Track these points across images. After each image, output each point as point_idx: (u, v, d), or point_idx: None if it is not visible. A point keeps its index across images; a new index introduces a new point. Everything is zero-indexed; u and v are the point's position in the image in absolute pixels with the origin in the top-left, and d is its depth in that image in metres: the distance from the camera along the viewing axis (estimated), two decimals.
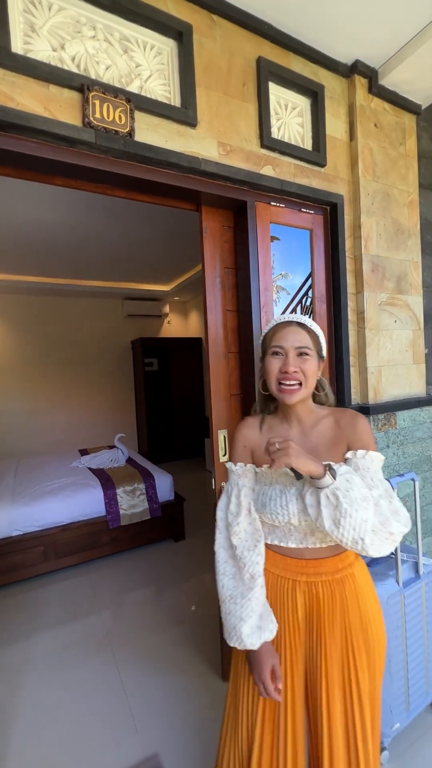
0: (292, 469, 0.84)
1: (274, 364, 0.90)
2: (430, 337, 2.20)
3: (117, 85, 1.27)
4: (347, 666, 0.88)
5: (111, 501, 2.94)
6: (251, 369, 1.61)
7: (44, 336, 5.08)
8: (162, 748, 1.43)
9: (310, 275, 1.84)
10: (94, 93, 1.19)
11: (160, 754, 1.41)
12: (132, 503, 3.01)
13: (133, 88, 1.30)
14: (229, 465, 1.00)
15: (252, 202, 1.59)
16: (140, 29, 1.32)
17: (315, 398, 0.98)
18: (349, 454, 0.87)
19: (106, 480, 3.17)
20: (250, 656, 0.89)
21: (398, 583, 1.38)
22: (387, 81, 1.84)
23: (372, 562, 1.49)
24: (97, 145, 1.22)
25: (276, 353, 0.90)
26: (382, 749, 1.34)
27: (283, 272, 2.42)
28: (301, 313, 3.79)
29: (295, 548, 0.91)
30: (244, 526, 0.93)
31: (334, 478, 0.77)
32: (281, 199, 1.68)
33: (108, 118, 1.22)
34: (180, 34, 1.36)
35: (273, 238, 1.73)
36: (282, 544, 0.92)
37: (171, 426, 5.65)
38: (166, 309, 5.88)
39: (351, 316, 1.85)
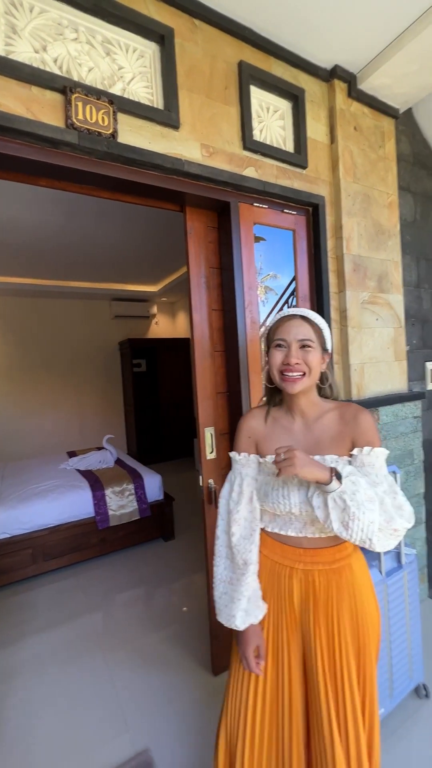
0: None
1: (277, 357, 0.92)
2: (411, 334, 2.26)
3: (100, 87, 1.29)
4: (337, 652, 0.90)
5: (100, 502, 2.93)
6: (237, 367, 1.64)
7: (31, 338, 5.03)
8: (153, 743, 1.44)
9: (294, 275, 1.87)
10: (76, 95, 1.20)
11: (150, 749, 1.42)
12: (121, 503, 3.00)
13: (116, 90, 1.32)
14: (233, 454, 1.02)
15: (235, 203, 1.61)
16: (122, 32, 1.34)
17: (320, 392, 1.00)
18: (355, 451, 0.89)
19: (95, 481, 3.16)
20: (237, 635, 0.95)
21: (381, 573, 1.42)
22: (366, 86, 1.89)
23: None
24: (80, 147, 1.23)
25: (279, 346, 0.92)
26: None
27: (272, 273, 2.45)
28: None
29: (294, 536, 0.93)
30: (244, 514, 0.96)
31: (341, 482, 0.80)
32: (264, 200, 1.71)
33: (91, 119, 1.23)
34: (162, 37, 1.38)
35: (259, 239, 1.76)
36: (282, 532, 0.95)
37: (160, 426, 5.65)
38: (154, 310, 5.88)
39: (334, 314, 1.90)
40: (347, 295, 1.88)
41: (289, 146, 1.77)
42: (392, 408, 2.02)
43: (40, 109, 1.18)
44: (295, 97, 1.74)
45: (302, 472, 0.78)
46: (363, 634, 0.91)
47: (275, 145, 1.71)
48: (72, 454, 4.24)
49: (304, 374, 0.90)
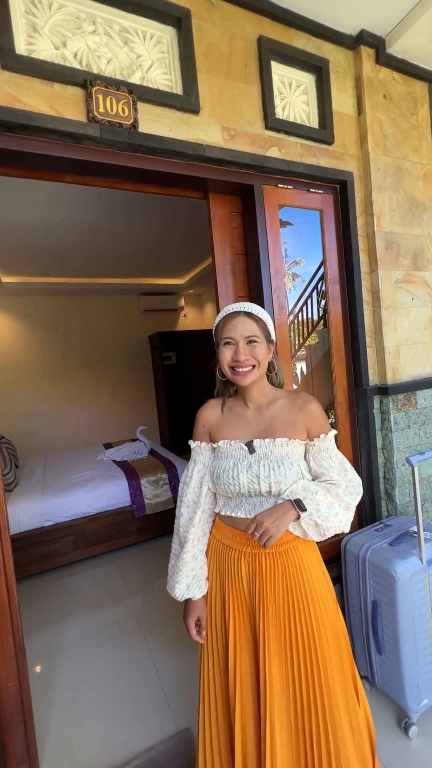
0: (247, 444, 0.97)
1: (226, 354, 0.97)
2: None
3: (119, 77, 1.29)
4: (284, 633, 0.93)
5: (136, 491, 3.02)
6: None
7: (64, 335, 5.21)
8: (193, 723, 1.49)
9: (322, 257, 1.81)
10: (96, 87, 1.21)
11: (191, 728, 1.46)
12: (156, 493, 3.08)
13: (135, 79, 1.32)
14: (190, 442, 1.10)
15: (259, 186, 1.58)
16: (139, 19, 1.33)
17: (269, 379, 1.07)
18: (315, 441, 0.98)
19: (130, 471, 3.25)
20: (184, 604, 1.06)
21: (422, 561, 1.37)
22: (395, 49, 1.77)
23: (395, 541, 1.48)
24: (102, 139, 1.24)
25: (228, 343, 0.97)
26: (410, 725, 1.35)
27: (298, 259, 2.39)
28: (317, 298, 3.72)
29: (244, 518, 0.98)
30: (192, 497, 1.04)
31: (305, 509, 0.89)
32: (289, 180, 1.66)
33: (111, 111, 1.24)
34: (179, 20, 1.36)
35: (286, 224, 1.71)
36: (233, 515, 0.99)
37: (191, 418, 5.70)
38: (182, 302, 5.90)
39: (366, 295, 1.82)
40: (380, 275, 1.80)
41: (314, 122, 1.70)
42: (431, 391, 1.92)
43: (63, 105, 1.20)
44: (318, 69, 1.66)
45: (280, 533, 0.86)
46: (314, 613, 0.93)
47: (299, 122, 1.65)
48: (108, 446, 4.38)
49: (254, 367, 0.96)
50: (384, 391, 1.78)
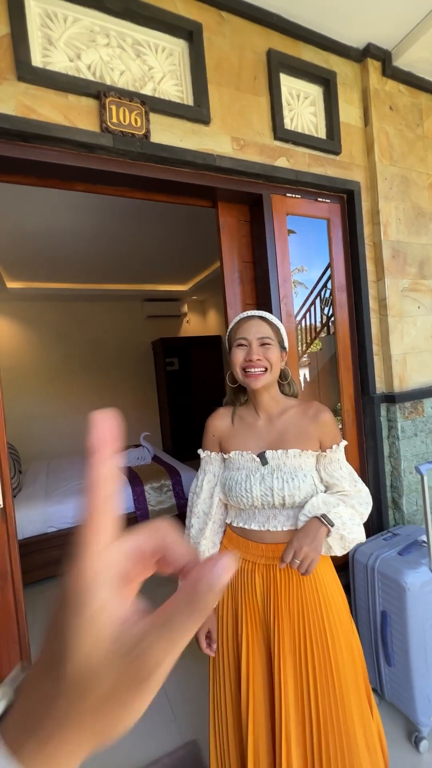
0: (259, 455, 0.96)
1: (239, 355, 0.95)
2: None
3: (131, 89, 1.31)
4: (300, 645, 0.91)
5: (139, 497, 3.01)
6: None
7: (67, 341, 5.23)
8: (199, 735, 1.46)
9: (329, 265, 1.83)
10: (110, 99, 1.23)
11: (198, 740, 1.44)
12: (159, 499, 3.06)
13: (147, 90, 1.34)
14: (200, 452, 1.08)
15: (267, 195, 1.59)
16: (151, 32, 1.35)
17: (281, 389, 1.05)
18: (327, 452, 0.98)
19: (134, 477, 3.24)
20: None
21: (431, 571, 1.36)
22: (401, 62, 1.80)
23: (404, 551, 1.47)
24: (114, 149, 1.26)
25: (240, 345, 0.96)
26: (421, 739, 1.32)
27: (300, 266, 2.40)
28: (321, 306, 3.73)
29: (257, 530, 0.97)
30: (202, 507, 1.02)
31: (332, 523, 0.89)
32: (297, 189, 1.67)
33: (124, 122, 1.25)
34: (190, 33, 1.39)
35: (290, 232, 1.73)
36: (246, 527, 0.98)
37: (194, 423, 5.70)
38: (185, 308, 5.92)
39: (372, 303, 1.83)
40: (386, 283, 1.81)
41: (321, 133, 1.72)
42: None
43: (77, 115, 1.22)
44: (326, 81, 1.69)
45: (318, 554, 0.86)
46: (329, 626, 0.92)
47: (307, 132, 1.67)
48: None
49: (266, 370, 0.94)
50: (391, 399, 1.78)
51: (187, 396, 5.69)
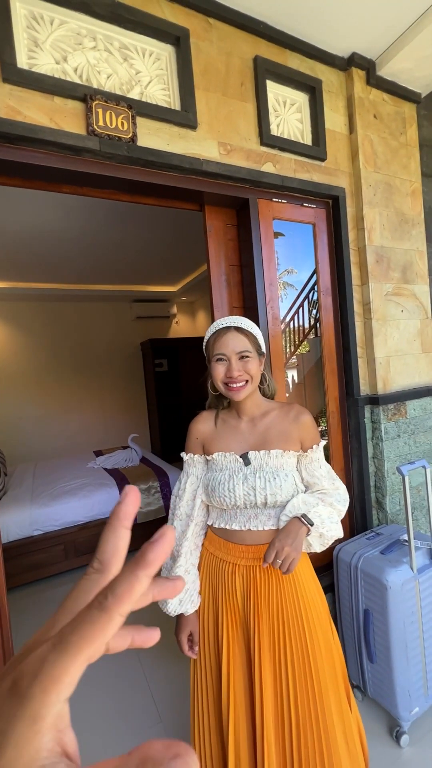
0: (242, 456, 0.98)
1: (219, 370, 0.95)
2: None
3: (118, 92, 1.31)
4: (279, 645, 0.93)
5: None
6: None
7: (55, 341, 5.18)
8: (185, 737, 1.47)
9: (315, 269, 1.85)
10: (96, 102, 1.23)
11: (185, 741, 1.45)
12: (147, 501, 3.06)
13: (134, 94, 1.34)
14: (183, 455, 1.08)
15: (254, 200, 1.61)
16: (139, 37, 1.36)
17: (260, 390, 1.07)
18: (308, 452, 1.01)
19: (122, 479, 3.23)
20: (176, 620, 1.04)
21: (413, 569, 1.39)
22: (385, 71, 1.84)
23: (386, 550, 1.50)
24: (101, 152, 1.26)
25: (220, 359, 0.96)
26: (402, 733, 1.35)
27: (289, 268, 2.43)
28: (309, 308, 3.77)
29: (238, 530, 0.99)
30: (185, 510, 1.04)
31: (312, 522, 0.92)
32: (283, 195, 1.70)
33: (111, 125, 1.26)
34: (177, 39, 1.40)
35: (277, 234, 1.75)
36: (227, 527, 1.00)
37: (183, 425, 5.70)
38: (174, 309, 5.92)
39: (357, 307, 1.87)
40: (370, 287, 1.84)
41: (307, 139, 1.75)
42: (420, 402, 1.97)
43: (63, 118, 1.22)
44: (312, 88, 1.72)
45: (299, 553, 0.89)
46: (307, 625, 0.94)
47: (293, 138, 1.70)
48: (98, 453, 4.34)
49: (247, 382, 0.95)
50: (375, 401, 1.82)
51: (176, 397, 5.69)
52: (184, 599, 1.01)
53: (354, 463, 1.89)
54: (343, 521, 1.06)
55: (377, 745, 1.37)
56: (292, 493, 0.95)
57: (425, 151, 2.12)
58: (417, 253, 2.02)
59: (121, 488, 3.05)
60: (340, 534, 0.99)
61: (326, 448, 1.87)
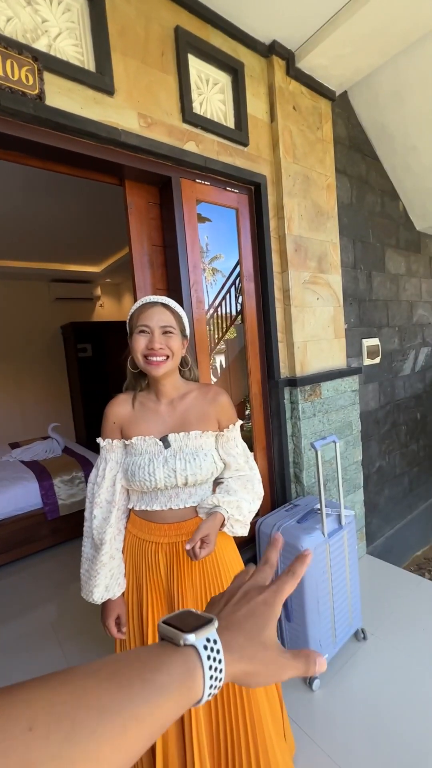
0: (162, 439, 0.98)
1: (141, 342, 0.95)
2: (349, 313, 2.39)
3: (21, 40, 1.17)
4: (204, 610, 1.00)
5: (48, 492, 2.83)
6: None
7: None
8: None
9: (239, 254, 1.89)
10: None
11: None
12: (71, 492, 2.92)
13: (41, 45, 1.21)
14: (99, 440, 1.05)
15: (177, 179, 1.57)
16: None
17: (182, 374, 1.07)
18: (224, 431, 1.05)
19: (41, 471, 3.03)
20: (102, 606, 1.04)
21: (324, 534, 1.54)
22: (303, 65, 1.90)
23: (302, 519, 1.64)
24: (2, 107, 1.12)
25: (142, 331, 0.95)
26: (314, 679, 1.52)
27: (218, 254, 2.44)
28: (235, 294, 3.86)
29: (159, 511, 1.00)
30: (105, 497, 1.02)
31: (225, 511, 0.98)
32: (206, 176, 1.69)
33: (13, 76, 1.12)
34: None
35: (204, 219, 1.74)
36: (148, 508, 1.01)
37: None
38: (98, 291, 5.61)
39: (277, 294, 1.95)
40: (290, 275, 1.94)
41: (230, 122, 1.74)
42: (333, 383, 2.14)
43: None
44: (234, 70, 1.71)
45: (214, 544, 0.92)
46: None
47: (216, 119, 1.68)
48: (15, 445, 4.01)
49: (168, 357, 0.95)
50: (293, 383, 1.94)
51: (101, 384, 5.45)
52: (111, 584, 1.00)
53: (275, 441, 2.01)
54: (264, 496, 1.12)
55: (293, 692, 1.51)
56: (211, 471, 0.98)
57: (339, 149, 2.26)
58: (331, 245, 2.17)
59: (40, 481, 2.86)
60: (256, 509, 1.05)
61: (249, 429, 1.96)
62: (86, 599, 1.01)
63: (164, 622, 0.33)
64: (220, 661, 0.31)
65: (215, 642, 0.32)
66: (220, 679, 0.31)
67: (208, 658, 0.30)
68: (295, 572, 0.40)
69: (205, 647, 0.31)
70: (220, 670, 0.31)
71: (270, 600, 0.38)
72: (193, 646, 0.31)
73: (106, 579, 1.00)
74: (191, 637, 0.31)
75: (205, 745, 0.92)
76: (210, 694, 0.30)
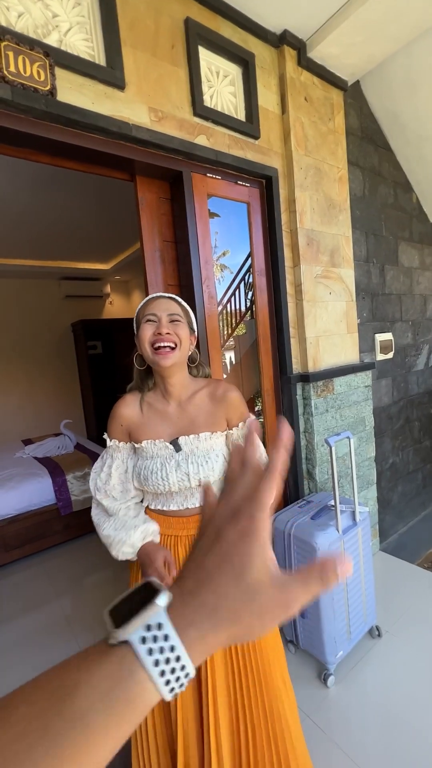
0: (172, 443, 0.97)
1: (148, 330, 0.93)
2: (361, 308, 2.36)
3: (33, 36, 1.16)
4: None
5: (61, 488, 2.86)
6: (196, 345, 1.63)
7: None
8: None
9: (250, 249, 1.87)
10: (6, 43, 1.08)
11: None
12: (84, 488, 2.95)
13: (52, 41, 1.20)
14: (106, 437, 1.04)
15: (188, 173, 1.56)
16: None
17: (189, 371, 1.05)
18: (234, 430, 1.01)
19: (54, 467, 3.06)
20: (142, 559, 0.95)
21: (338, 531, 1.53)
22: (315, 55, 1.87)
23: (315, 515, 1.63)
24: (15, 103, 1.12)
25: (150, 320, 0.94)
26: (329, 675, 1.51)
27: (226, 250, 2.44)
28: (245, 290, 3.84)
29: (176, 510, 1.00)
30: (117, 487, 1.01)
31: None
32: (217, 170, 1.67)
33: (25, 72, 1.12)
34: None
35: (213, 215, 1.73)
36: (164, 509, 1.01)
37: None
38: (107, 289, 5.64)
39: (289, 288, 1.93)
40: (302, 270, 1.91)
41: (241, 115, 1.72)
42: (345, 378, 2.12)
43: None
44: (245, 62, 1.69)
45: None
46: None
47: (226, 112, 1.66)
48: (28, 442, 4.06)
49: (176, 346, 0.93)
50: (306, 378, 1.92)
51: (111, 380, 5.49)
52: (146, 529, 0.95)
53: None
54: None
55: (308, 687, 1.51)
56: (224, 472, 0.98)
57: (351, 140, 2.22)
58: (343, 238, 2.13)
59: (54, 477, 2.90)
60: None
61: (261, 425, 1.95)
62: (123, 557, 0.94)
63: (108, 611, 0.27)
64: (173, 649, 0.24)
65: (159, 627, 0.25)
66: (184, 668, 0.24)
67: (150, 652, 0.24)
68: (276, 464, 0.31)
69: (144, 639, 0.24)
70: (177, 658, 0.24)
71: (247, 528, 0.29)
72: (128, 642, 0.25)
73: (141, 524, 0.95)
74: (121, 633, 0.25)
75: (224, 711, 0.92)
76: (173, 690, 0.24)
